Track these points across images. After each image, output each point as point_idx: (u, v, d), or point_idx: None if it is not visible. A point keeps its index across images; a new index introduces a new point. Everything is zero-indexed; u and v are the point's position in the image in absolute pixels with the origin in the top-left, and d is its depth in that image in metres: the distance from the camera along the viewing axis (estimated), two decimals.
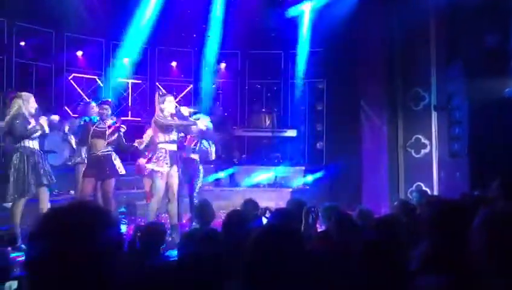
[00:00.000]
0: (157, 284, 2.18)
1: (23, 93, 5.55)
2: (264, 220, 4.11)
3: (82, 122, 6.40)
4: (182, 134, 6.47)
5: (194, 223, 6.59)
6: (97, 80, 9.67)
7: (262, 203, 4.94)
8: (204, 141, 6.93)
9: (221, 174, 9.15)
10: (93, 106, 6.74)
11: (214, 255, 2.19)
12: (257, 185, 9.06)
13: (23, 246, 5.01)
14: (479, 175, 6.12)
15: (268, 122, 10.21)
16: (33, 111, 5.49)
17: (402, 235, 2.96)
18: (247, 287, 1.57)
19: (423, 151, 7.87)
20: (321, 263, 2.08)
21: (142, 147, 6.47)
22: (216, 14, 9.63)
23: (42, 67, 8.87)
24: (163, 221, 6.22)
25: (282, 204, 5.72)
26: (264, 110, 10.61)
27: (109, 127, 6.15)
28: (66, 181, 7.13)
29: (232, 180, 9.21)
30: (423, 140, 7.86)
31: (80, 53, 9.34)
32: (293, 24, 9.81)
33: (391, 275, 1.90)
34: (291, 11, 9.68)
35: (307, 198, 5.58)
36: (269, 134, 10.05)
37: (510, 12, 6.52)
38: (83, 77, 9.56)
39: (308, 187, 9.09)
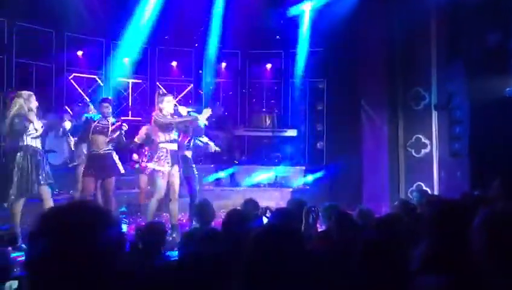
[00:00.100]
0: (158, 283, 2.18)
1: (24, 92, 5.54)
2: (265, 220, 4.12)
3: (84, 119, 6.42)
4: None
5: (193, 223, 6.61)
6: (97, 79, 9.67)
7: (263, 203, 4.95)
8: (199, 137, 6.97)
9: (222, 174, 9.15)
10: (91, 109, 6.78)
11: (214, 255, 2.19)
12: (257, 185, 9.06)
13: (23, 245, 5.01)
14: (479, 175, 6.13)
15: (268, 122, 10.20)
16: (34, 110, 5.49)
17: (402, 235, 2.96)
18: (247, 287, 1.57)
19: (423, 151, 7.86)
20: (321, 263, 2.08)
21: (138, 140, 6.86)
22: (216, 14, 9.62)
23: (42, 67, 8.87)
24: (163, 221, 6.23)
25: (283, 204, 5.73)
26: (264, 109, 10.60)
27: (112, 124, 6.21)
28: (66, 181, 7.13)
29: (233, 180, 9.21)
30: (423, 140, 7.85)
31: (80, 53, 9.34)
32: (294, 24, 9.81)
33: (391, 275, 1.90)
34: (292, 11, 9.68)
35: (307, 198, 5.57)
36: (269, 134, 10.04)
37: (511, 12, 6.52)
38: (83, 77, 9.56)
39: (308, 187, 9.08)
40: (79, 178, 6.58)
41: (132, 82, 10.19)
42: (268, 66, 10.74)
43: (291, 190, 8.84)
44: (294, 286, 1.53)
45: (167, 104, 5.97)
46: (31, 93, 5.60)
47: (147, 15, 9.03)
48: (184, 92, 10.52)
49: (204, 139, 7.13)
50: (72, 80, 9.35)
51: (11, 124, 5.32)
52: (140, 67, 9.91)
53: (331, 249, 2.90)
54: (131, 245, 3.41)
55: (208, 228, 3.91)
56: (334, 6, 8.58)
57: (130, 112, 10.04)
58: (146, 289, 2.09)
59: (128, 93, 10.21)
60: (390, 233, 2.76)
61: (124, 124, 6.37)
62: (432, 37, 7.72)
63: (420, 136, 7.88)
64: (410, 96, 7.97)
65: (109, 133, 6.15)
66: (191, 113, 6.34)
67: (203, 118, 6.25)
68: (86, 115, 6.50)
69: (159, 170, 5.90)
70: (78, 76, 9.48)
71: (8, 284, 2.78)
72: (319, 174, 9.12)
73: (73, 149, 6.96)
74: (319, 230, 4.20)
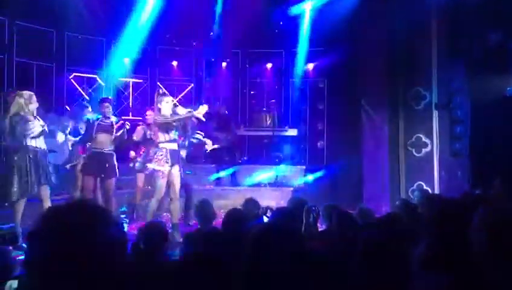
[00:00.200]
0: (158, 283, 2.18)
1: (25, 92, 5.54)
2: (265, 219, 4.12)
3: (85, 120, 6.44)
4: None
5: (190, 223, 6.63)
6: (98, 79, 9.67)
7: (263, 203, 4.95)
8: (195, 135, 6.98)
9: (222, 174, 9.14)
10: (89, 110, 6.79)
11: (215, 254, 2.19)
12: (258, 185, 9.05)
13: (23, 245, 5.01)
14: (479, 174, 6.13)
15: (269, 121, 10.19)
16: (35, 110, 5.49)
17: (403, 234, 2.96)
18: (247, 287, 1.57)
19: (424, 151, 7.86)
20: (321, 263, 2.07)
21: (136, 138, 6.95)
22: (217, 13, 9.62)
23: (43, 66, 8.87)
24: (164, 220, 6.23)
25: (283, 203, 5.73)
26: (264, 109, 10.60)
27: (116, 123, 6.30)
28: (66, 181, 7.13)
29: (233, 180, 9.20)
30: (424, 139, 7.84)
31: (80, 52, 9.34)
32: (294, 23, 9.80)
33: (391, 275, 1.90)
34: (292, 10, 9.67)
35: (308, 197, 5.57)
36: (270, 133, 10.03)
37: (511, 11, 6.51)
38: (83, 76, 9.56)
39: (309, 186, 9.07)
40: (78, 177, 6.60)
41: (133, 81, 10.20)
42: (269, 65, 10.74)
43: (291, 189, 8.83)
44: (294, 286, 1.53)
45: (165, 105, 5.97)
46: (32, 93, 5.59)
47: (147, 14, 9.03)
48: (184, 92, 10.52)
49: (199, 136, 7.14)
50: (72, 80, 9.36)
51: (11, 123, 5.32)
52: (140, 67, 9.92)
53: (331, 248, 2.90)
54: (133, 245, 3.41)
55: (209, 228, 3.92)
56: (334, 6, 8.58)
57: (130, 112, 10.04)
58: (147, 288, 2.09)
59: (129, 93, 10.21)
60: (390, 232, 2.76)
61: (127, 122, 6.46)
62: (433, 37, 7.71)
63: (421, 135, 7.87)
64: (410, 96, 7.96)
65: (115, 130, 6.22)
66: (187, 109, 6.37)
67: (199, 114, 6.18)
68: (87, 117, 6.51)
69: (159, 170, 5.90)
70: (79, 76, 9.48)
71: (8, 283, 2.78)
72: (319, 174, 9.12)
73: (70, 149, 6.96)
74: (320, 230, 4.20)
